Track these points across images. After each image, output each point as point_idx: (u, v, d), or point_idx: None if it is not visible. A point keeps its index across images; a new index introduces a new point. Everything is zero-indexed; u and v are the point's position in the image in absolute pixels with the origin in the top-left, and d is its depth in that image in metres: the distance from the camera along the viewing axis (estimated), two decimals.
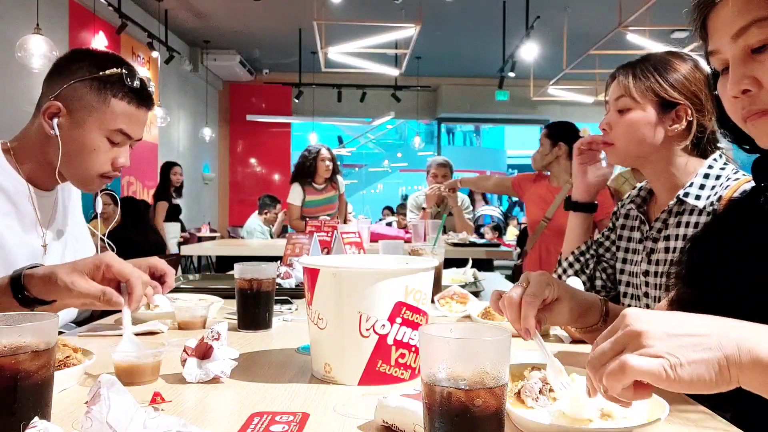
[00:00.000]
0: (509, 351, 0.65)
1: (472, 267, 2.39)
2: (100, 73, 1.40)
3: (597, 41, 6.85)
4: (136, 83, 1.43)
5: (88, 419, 0.64)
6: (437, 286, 1.82)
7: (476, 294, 1.86)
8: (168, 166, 7.34)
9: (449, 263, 2.35)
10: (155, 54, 8.18)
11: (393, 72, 8.33)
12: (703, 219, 1.40)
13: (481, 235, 7.01)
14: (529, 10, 7.21)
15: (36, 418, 0.65)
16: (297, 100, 11.44)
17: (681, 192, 1.43)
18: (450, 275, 2.32)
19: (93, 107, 1.40)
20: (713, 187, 1.40)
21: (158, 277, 1.31)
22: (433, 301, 1.58)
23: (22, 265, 1.19)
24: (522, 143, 19.60)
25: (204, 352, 0.99)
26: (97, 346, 1.06)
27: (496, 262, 4.66)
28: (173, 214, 7.38)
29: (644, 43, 6.25)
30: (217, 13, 8.74)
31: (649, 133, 1.44)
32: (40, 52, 4.68)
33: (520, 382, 0.88)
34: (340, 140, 13.64)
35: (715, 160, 1.44)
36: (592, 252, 1.68)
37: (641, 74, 1.46)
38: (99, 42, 7.20)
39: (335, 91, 11.21)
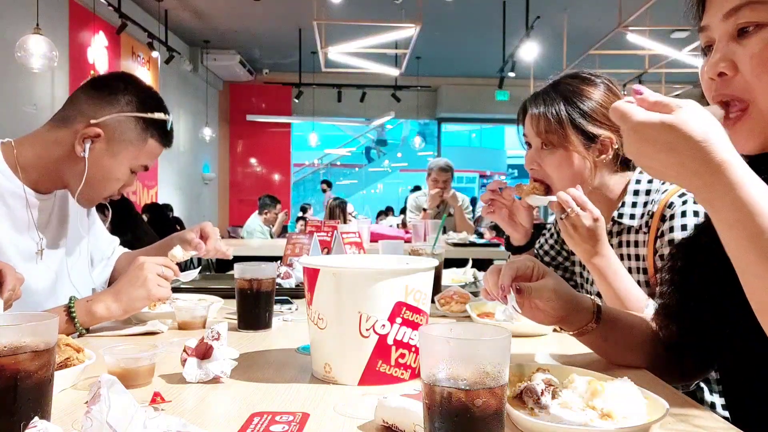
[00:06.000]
0: (509, 351, 0.65)
1: (472, 267, 2.39)
2: (148, 114, 1.45)
3: (597, 41, 6.86)
4: (171, 127, 1.52)
5: (88, 419, 0.64)
6: (437, 286, 1.82)
7: (476, 294, 1.86)
8: None
9: (449, 263, 2.35)
10: (155, 54, 8.19)
11: (393, 72, 8.33)
12: (641, 236, 1.41)
13: (481, 235, 7.00)
14: (529, 10, 7.21)
15: (36, 418, 0.65)
16: (297, 100, 11.45)
17: (615, 213, 1.45)
18: (450, 275, 2.32)
19: (131, 143, 1.45)
20: (645, 204, 1.41)
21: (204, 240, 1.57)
22: (433, 301, 1.58)
23: (15, 267, 1.20)
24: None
25: (204, 352, 0.99)
26: (97, 346, 1.06)
27: (496, 262, 4.64)
28: None
29: (644, 43, 6.25)
30: (217, 13, 8.74)
31: (579, 168, 1.43)
32: (39, 52, 4.68)
33: (522, 384, 0.88)
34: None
35: (641, 173, 1.44)
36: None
37: (553, 110, 1.42)
38: (99, 42, 7.19)
39: (335, 91, 11.21)
